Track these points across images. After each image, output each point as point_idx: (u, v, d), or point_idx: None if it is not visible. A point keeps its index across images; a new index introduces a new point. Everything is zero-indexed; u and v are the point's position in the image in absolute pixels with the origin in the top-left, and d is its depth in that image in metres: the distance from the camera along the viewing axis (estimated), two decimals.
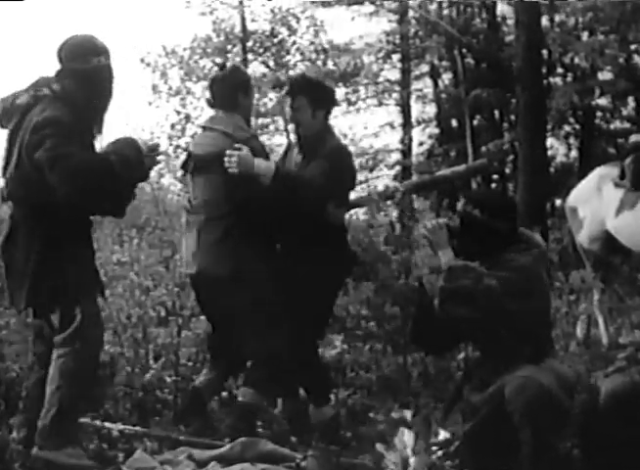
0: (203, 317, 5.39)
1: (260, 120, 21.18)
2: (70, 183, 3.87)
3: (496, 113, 19.95)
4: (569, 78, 18.92)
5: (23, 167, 4.01)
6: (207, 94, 4.88)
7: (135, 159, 4.03)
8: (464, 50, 19.07)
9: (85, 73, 4.07)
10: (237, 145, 4.50)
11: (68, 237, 4.04)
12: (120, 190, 4.10)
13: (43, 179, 3.92)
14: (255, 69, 20.63)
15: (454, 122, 20.52)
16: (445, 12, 20.00)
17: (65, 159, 3.85)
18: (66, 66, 4.10)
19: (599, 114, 19.09)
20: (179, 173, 16.68)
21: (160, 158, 4.31)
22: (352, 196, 5.31)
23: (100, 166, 3.95)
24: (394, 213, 10.77)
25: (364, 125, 20.72)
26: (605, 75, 18.51)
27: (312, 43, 20.72)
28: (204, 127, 4.91)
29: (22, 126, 4.04)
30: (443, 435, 4.55)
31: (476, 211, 4.14)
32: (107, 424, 4.67)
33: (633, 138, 6.67)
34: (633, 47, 17.64)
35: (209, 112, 4.90)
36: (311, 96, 4.76)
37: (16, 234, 4.07)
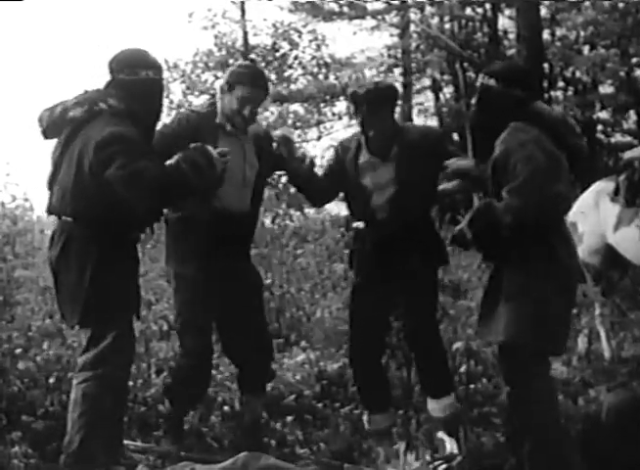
0: None
1: None
2: (150, 198, 3.91)
3: None
4: (570, 92, 18.95)
5: (84, 183, 4.01)
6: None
7: (207, 165, 3.99)
8: (465, 64, 19.10)
9: (132, 85, 4.09)
10: None
11: (121, 255, 4.07)
12: (188, 196, 4.18)
13: (106, 196, 3.93)
14: None
15: (456, 136, 20.55)
16: (447, 26, 20.07)
17: (140, 175, 3.86)
18: (115, 77, 4.13)
19: (600, 127, 19.12)
20: None
21: None
22: None
23: (175, 178, 3.94)
24: None
25: None
26: (606, 89, 18.55)
27: (314, 57, 20.78)
28: None
29: (77, 141, 4.03)
30: (447, 449, 4.56)
31: (491, 80, 4.15)
32: None
33: (627, 155, 6.69)
34: (634, 61, 17.69)
35: None
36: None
37: (70, 249, 4.06)
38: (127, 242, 4.16)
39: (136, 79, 4.10)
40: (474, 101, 4.34)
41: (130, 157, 3.88)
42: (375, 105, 4.58)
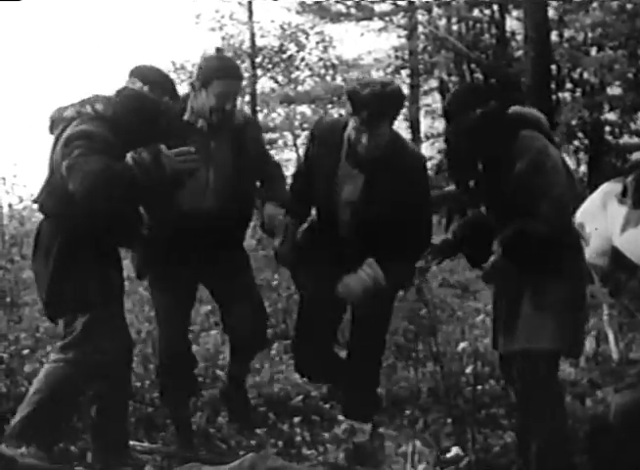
0: (212, 332, 5.39)
1: (269, 135, 21.23)
2: (85, 185, 3.84)
3: None
4: (577, 93, 18.93)
5: (54, 179, 4.06)
6: None
7: (153, 165, 3.90)
8: (473, 65, 19.10)
9: (124, 93, 4.12)
10: None
11: (85, 249, 4.06)
12: (138, 196, 4.07)
13: (66, 190, 3.94)
14: (264, 84, 20.75)
15: None
16: (454, 27, 20.07)
17: (82, 165, 3.84)
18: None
19: (608, 128, 19.09)
20: None
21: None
22: None
23: (119, 175, 3.88)
24: None
25: None
26: (614, 90, 18.53)
27: (321, 59, 20.83)
28: None
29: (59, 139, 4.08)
30: (454, 451, 4.55)
31: (477, 110, 4.03)
32: None
33: (635, 156, 6.69)
34: None
35: None
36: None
37: (40, 244, 4.15)
38: (96, 238, 4.09)
39: (128, 89, 4.13)
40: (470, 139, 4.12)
41: (84, 151, 3.87)
42: (377, 114, 4.09)
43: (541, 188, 3.93)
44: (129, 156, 3.90)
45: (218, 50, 4.98)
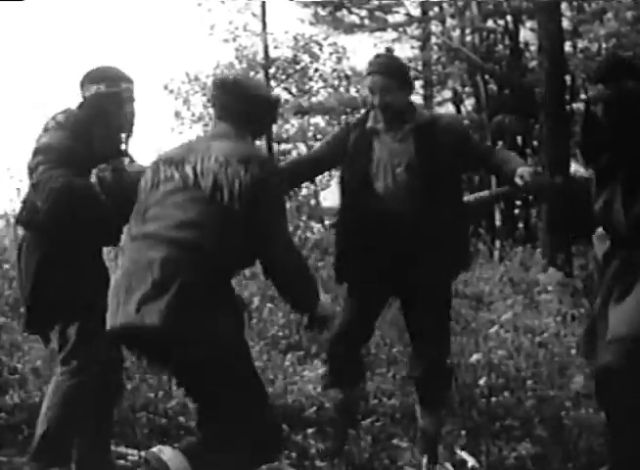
0: None
1: (282, 146, 21.27)
2: (49, 206, 3.89)
3: (519, 139, 19.95)
4: None
5: (29, 192, 4.12)
6: None
7: (114, 180, 3.93)
8: (486, 76, 19.10)
9: (85, 101, 4.15)
10: None
11: (64, 258, 4.03)
12: (111, 216, 4.00)
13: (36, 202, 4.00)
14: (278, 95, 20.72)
15: None
16: (468, 38, 20.09)
17: (48, 180, 3.89)
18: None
19: None
20: None
21: None
22: None
23: (80, 190, 3.91)
24: None
25: None
26: None
27: (334, 70, 20.87)
28: None
29: None
30: (470, 462, 4.54)
31: (630, 82, 3.73)
32: (130, 450, 4.66)
33: None
34: None
35: None
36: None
37: (20, 256, 4.15)
38: (78, 247, 4.05)
39: (86, 96, 4.16)
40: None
41: (49, 165, 3.92)
42: None
43: None
44: (94, 173, 3.94)
45: (387, 49, 4.98)
